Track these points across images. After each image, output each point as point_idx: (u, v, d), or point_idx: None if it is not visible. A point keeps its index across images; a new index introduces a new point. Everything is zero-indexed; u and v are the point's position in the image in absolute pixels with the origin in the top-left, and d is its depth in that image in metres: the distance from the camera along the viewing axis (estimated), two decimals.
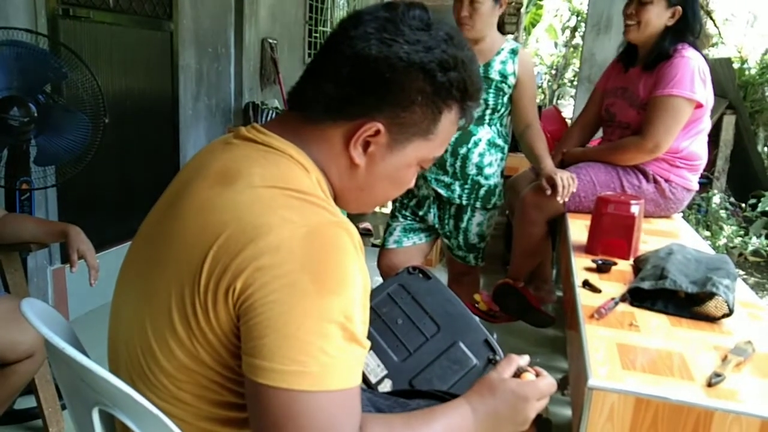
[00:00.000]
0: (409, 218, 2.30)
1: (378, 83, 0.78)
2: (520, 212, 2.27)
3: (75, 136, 1.97)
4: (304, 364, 0.66)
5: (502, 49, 2.09)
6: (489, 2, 2.01)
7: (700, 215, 4.49)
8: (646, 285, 1.28)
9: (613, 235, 1.61)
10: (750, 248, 4.41)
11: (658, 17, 2.02)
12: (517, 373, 0.88)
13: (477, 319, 1.08)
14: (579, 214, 2.12)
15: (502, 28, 2.22)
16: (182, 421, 0.76)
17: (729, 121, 4.65)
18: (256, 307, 0.68)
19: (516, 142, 3.26)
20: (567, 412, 2.07)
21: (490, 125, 2.15)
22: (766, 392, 0.95)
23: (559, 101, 10.47)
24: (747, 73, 5.40)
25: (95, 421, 0.80)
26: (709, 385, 0.95)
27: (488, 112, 2.12)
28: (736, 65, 5.26)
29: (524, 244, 2.32)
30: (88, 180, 2.56)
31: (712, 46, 6.12)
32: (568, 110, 5.69)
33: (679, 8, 2.00)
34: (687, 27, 2.02)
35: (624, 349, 1.07)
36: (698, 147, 2.13)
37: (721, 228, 4.42)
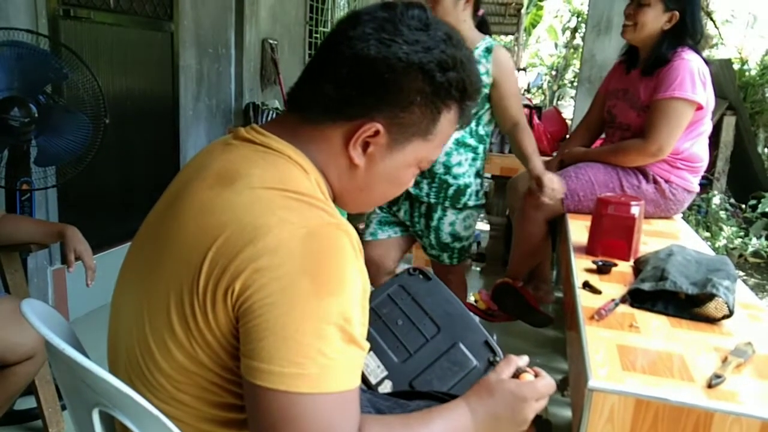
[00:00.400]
0: (384, 211, 2.29)
1: (377, 84, 0.78)
2: (520, 212, 2.28)
3: (75, 137, 1.97)
4: (303, 366, 0.66)
5: (477, 48, 2.06)
6: None
7: (700, 216, 4.49)
8: (646, 286, 1.28)
9: (613, 236, 1.61)
10: (750, 249, 4.41)
11: (655, 20, 2.03)
12: (516, 374, 0.88)
13: (477, 319, 1.08)
14: (579, 214, 2.12)
15: (484, 28, 2.20)
16: (181, 422, 0.76)
17: (729, 122, 4.65)
18: (255, 309, 0.68)
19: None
20: (567, 413, 2.07)
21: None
22: (767, 393, 0.95)
23: (559, 102, 10.47)
24: (747, 74, 5.41)
25: (95, 422, 0.80)
26: (710, 386, 0.95)
27: None
28: (736, 66, 5.26)
29: (524, 243, 2.32)
30: (89, 180, 2.56)
31: (712, 47, 6.13)
32: (568, 111, 5.68)
33: (677, 13, 2.02)
34: (685, 32, 2.03)
35: (624, 351, 1.07)
36: (699, 149, 2.13)
37: (721, 229, 4.42)
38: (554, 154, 2.63)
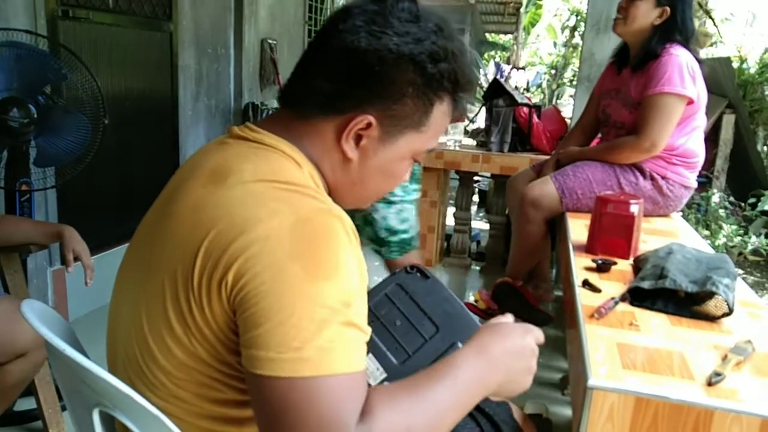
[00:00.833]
0: None
1: (368, 76, 0.78)
2: (519, 211, 2.28)
3: (75, 137, 1.97)
4: (301, 351, 0.65)
5: None
6: None
7: (699, 214, 4.49)
8: (646, 284, 1.28)
9: (612, 234, 1.61)
10: (749, 247, 4.41)
11: (645, 14, 2.07)
12: None
13: (476, 318, 1.08)
14: (578, 213, 2.12)
15: None
16: (181, 420, 0.76)
17: (728, 120, 4.65)
18: (249, 298, 0.67)
19: (516, 142, 3.28)
20: (567, 411, 2.07)
21: None
22: (766, 391, 0.95)
23: (558, 101, 10.48)
24: (746, 72, 5.41)
25: (96, 423, 0.80)
26: (709, 384, 0.95)
27: None
28: (735, 64, 5.26)
29: (523, 243, 2.33)
30: (88, 181, 2.56)
31: (712, 45, 6.13)
32: (567, 110, 5.68)
33: (668, 8, 2.05)
34: (675, 27, 2.06)
35: (624, 349, 1.07)
36: (694, 144, 2.14)
37: (721, 227, 4.42)
38: (553, 153, 2.64)
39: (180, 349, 0.74)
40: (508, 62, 12.25)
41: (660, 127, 2.01)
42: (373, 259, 2.23)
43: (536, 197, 2.19)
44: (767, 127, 5.31)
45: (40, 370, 1.66)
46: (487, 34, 14.59)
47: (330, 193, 0.85)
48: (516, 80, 9.04)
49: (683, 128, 2.09)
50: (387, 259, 2.22)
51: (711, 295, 1.20)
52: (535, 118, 3.25)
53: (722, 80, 4.61)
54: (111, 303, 0.88)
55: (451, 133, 3.48)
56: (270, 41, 4.15)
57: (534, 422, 1.23)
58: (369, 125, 0.80)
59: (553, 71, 11.84)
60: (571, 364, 1.43)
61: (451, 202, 3.93)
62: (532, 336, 0.84)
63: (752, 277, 4.22)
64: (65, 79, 2.01)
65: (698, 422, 0.91)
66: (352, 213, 0.79)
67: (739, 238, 4.43)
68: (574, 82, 6.84)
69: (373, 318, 1.10)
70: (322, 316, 0.66)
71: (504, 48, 14.52)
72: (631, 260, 1.58)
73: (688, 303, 1.24)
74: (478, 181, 5.21)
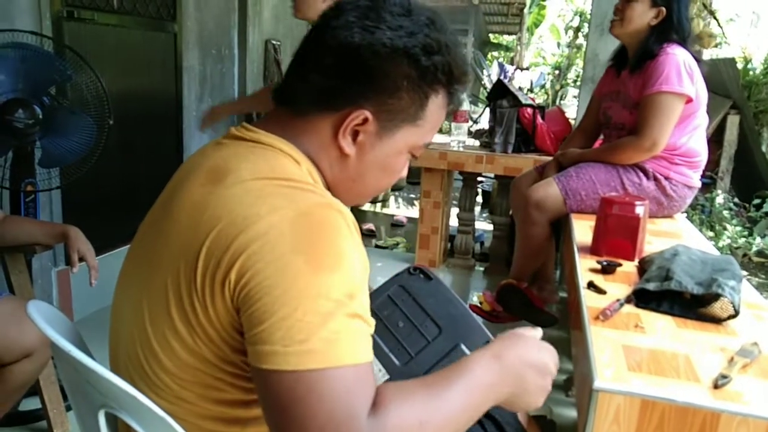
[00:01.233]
0: None
1: (362, 71, 0.79)
2: (523, 213, 2.28)
3: (79, 138, 1.97)
4: (307, 344, 0.64)
5: None
6: None
7: (703, 215, 4.48)
8: (651, 286, 1.27)
9: (617, 236, 1.61)
10: (754, 249, 4.40)
11: (642, 15, 2.08)
12: None
13: (480, 320, 1.07)
14: (582, 214, 2.12)
15: None
16: (184, 420, 0.76)
17: (733, 121, 4.64)
18: (253, 294, 0.67)
19: (520, 142, 3.27)
20: (572, 413, 2.06)
21: None
22: None
23: (562, 102, 10.46)
24: (751, 73, 5.40)
25: (101, 424, 0.80)
26: (716, 386, 0.95)
27: None
28: (740, 65, 5.25)
29: (527, 244, 2.32)
30: (93, 182, 2.57)
31: (716, 46, 6.11)
32: (571, 110, 5.67)
33: (663, 9, 2.06)
34: (671, 27, 2.07)
35: (629, 351, 1.07)
36: (696, 143, 2.14)
37: (725, 228, 4.41)
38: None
39: (184, 349, 0.74)
40: (511, 63, 12.23)
41: (660, 126, 2.01)
42: (376, 259, 2.23)
43: (540, 199, 2.19)
44: None
45: (44, 370, 1.66)
46: (490, 35, 14.58)
47: (329, 191, 0.86)
48: (520, 81, 9.03)
49: (684, 127, 2.09)
50: None
51: (717, 297, 1.20)
52: (539, 119, 3.24)
53: (727, 81, 4.60)
54: (113, 304, 0.88)
55: (454, 133, 3.47)
56: (274, 42, 4.15)
57: (538, 424, 1.22)
58: (365, 120, 0.80)
59: (556, 72, 11.83)
60: (576, 366, 1.42)
61: (455, 203, 3.93)
62: (551, 356, 0.83)
63: (757, 279, 4.20)
64: (70, 80, 2.02)
65: (705, 425, 0.91)
66: None
67: (744, 239, 4.41)
68: (578, 83, 6.83)
69: (376, 319, 1.09)
70: (327, 308, 0.66)
71: (507, 49, 14.51)
72: (636, 262, 1.57)
73: (693, 305, 1.24)
74: (481, 182, 5.20)
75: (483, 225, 4.84)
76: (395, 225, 5.11)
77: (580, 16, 10.84)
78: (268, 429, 0.79)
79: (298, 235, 0.69)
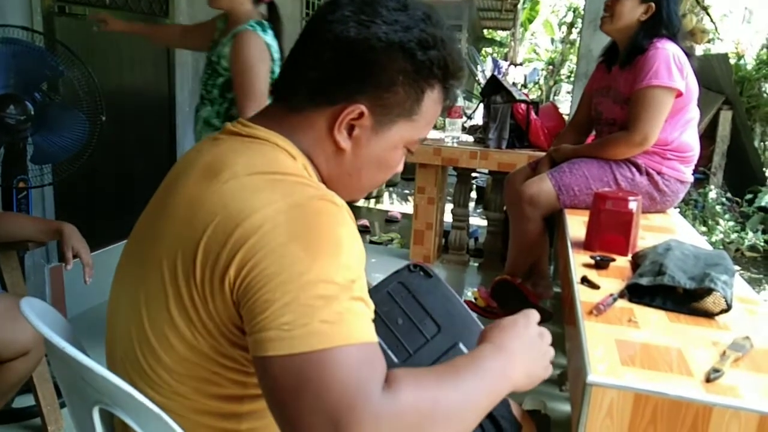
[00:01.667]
0: None
1: (358, 65, 0.79)
2: (517, 209, 2.28)
3: (72, 134, 1.96)
4: (310, 326, 0.63)
5: (237, 32, 2.01)
6: None
7: (696, 210, 4.51)
8: (644, 281, 1.28)
9: (611, 231, 1.61)
10: (746, 243, 4.42)
11: (631, 11, 2.10)
12: None
13: (474, 315, 1.07)
14: (575, 209, 2.12)
15: (273, 15, 2.22)
16: (180, 416, 0.76)
17: (726, 116, 4.66)
18: (253, 285, 0.67)
19: (514, 138, 3.27)
20: (566, 408, 2.07)
21: (212, 105, 2.05)
22: (765, 387, 0.96)
23: (556, 97, 10.48)
24: (744, 69, 5.42)
25: (96, 421, 0.80)
26: (708, 380, 0.96)
27: (204, 91, 2.08)
28: (732, 61, 5.27)
29: (521, 240, 2.33)
30: (86, 178, 2.56)
31: (709, 42, 6.13)
32: (565, 106, 5.68)
33: (653, 4, 2.08)
34: (661, 23, 2.09)
35: (623, 345, 1.08)
36: (689, 138, 2.15)
37: (718, 223, 4.43)
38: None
39: (182, 344, 0.74)
40: (505, 58, 12.24)
41: (650, 121, 2.02)
42: (371, 255, 2.23)
43: (533, 195, 2.20)
44: (764, 124, 5.32)
45: (38, 368, 1.66)
46: (484, 31, 14.58)
47: (324, 185, 0.86)
48: (513, 76, 9.05)
49: (676, 122, 2.10)
50: None
51: (709, 291, 1.21)
52: (533, 115, 3.25)
53: (720, 77, 4.61)
54: (109, 301, 0.88)
55: (448, 129, 3.47)
56: None
57: (533, 418, 1.23)
58: (361, 115, 0.80)
59: (550, 67, 11.84)
60: (569, 360, 1.43)
61: (449, 198, 3.93)
62: (531, 321, 0.84)
63: (749, 273, 4.23)
64: (62, 76, 2.00)
65: (697, 418, 0.92)
66: None
67: (736, 234, 4.44)
68: (572, 79, 6.84)
69: (375, 315, 1.09)
70: (330, 291, 0.65)
71: (501, 44, 14.51)
72: (629, 257, 1.58)
73: (686, 299, 1.24)
74: (476, 177, 5.21)
75: (477, 221, 4.85)
76: (389, 221, 5.11)
77: (574, 11, 10.86)
78: (263, 423, 0.79)
79: (294, 225, 0.69)
